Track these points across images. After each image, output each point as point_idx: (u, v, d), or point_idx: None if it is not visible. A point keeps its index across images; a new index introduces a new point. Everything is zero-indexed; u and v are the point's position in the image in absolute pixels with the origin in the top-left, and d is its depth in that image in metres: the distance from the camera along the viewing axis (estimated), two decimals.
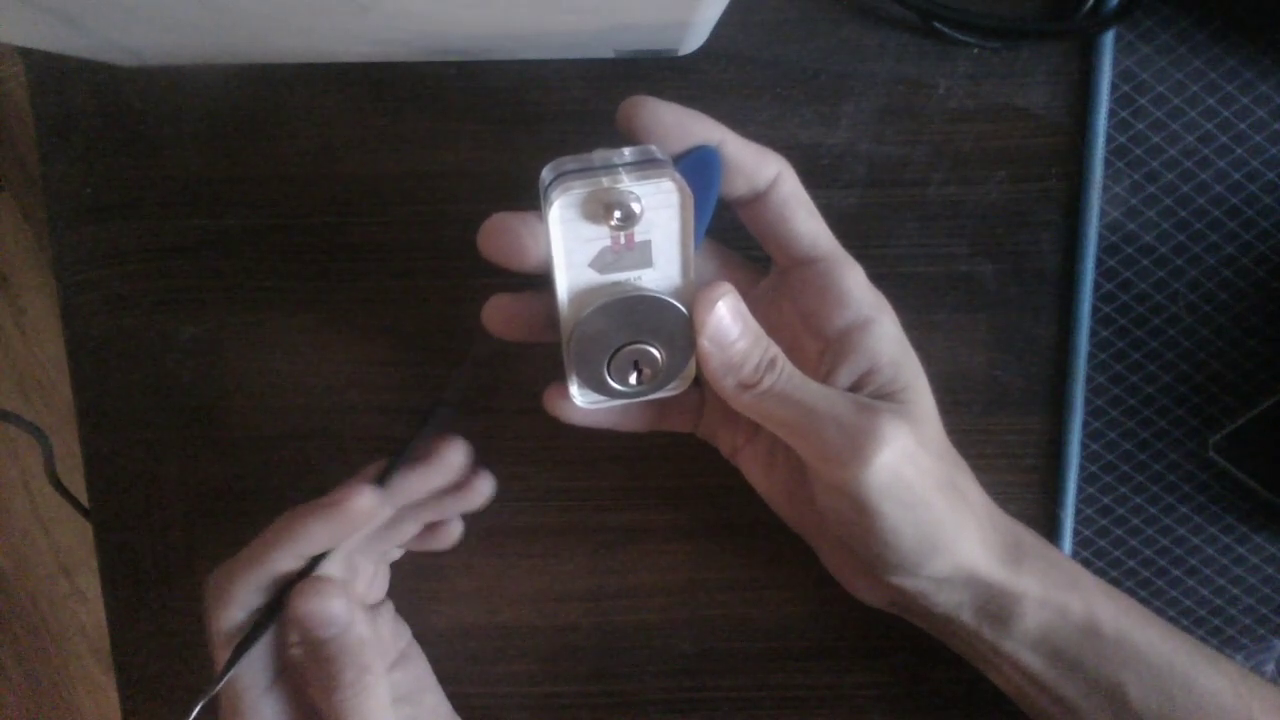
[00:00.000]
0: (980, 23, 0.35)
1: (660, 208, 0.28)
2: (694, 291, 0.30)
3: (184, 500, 0.39)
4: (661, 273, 0.30)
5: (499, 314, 0.31)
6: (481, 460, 0.39)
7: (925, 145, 0.36)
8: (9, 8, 0.26)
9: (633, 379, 0.31)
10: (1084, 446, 0.38)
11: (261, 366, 0.39)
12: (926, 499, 0.30)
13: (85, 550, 1.25)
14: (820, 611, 0.39)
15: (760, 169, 0.30)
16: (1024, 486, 0.38)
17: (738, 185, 0.30)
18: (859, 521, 0.30)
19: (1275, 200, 0.36)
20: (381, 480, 0.32)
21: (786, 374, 0.30)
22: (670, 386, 0.32)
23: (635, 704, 0.40)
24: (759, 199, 0.31)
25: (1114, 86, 0.35)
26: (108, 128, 0.37)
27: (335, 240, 0.38)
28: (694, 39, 0.34)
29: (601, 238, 0.29)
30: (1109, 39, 0.35)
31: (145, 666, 0.41)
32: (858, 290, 0.31)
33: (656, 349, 0.30)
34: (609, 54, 0.35)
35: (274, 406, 0.39)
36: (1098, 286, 0.37)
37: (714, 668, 0.40)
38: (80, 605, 1.26)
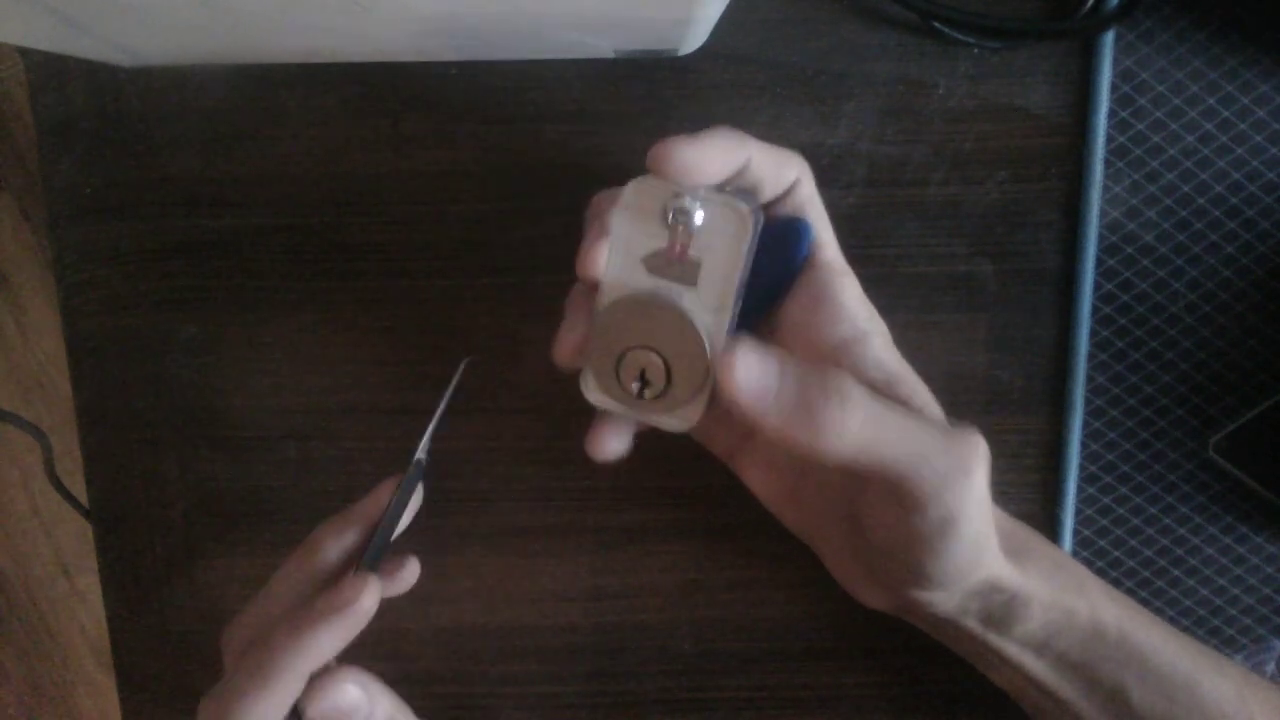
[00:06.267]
0: (980, 23, 0.35)
1: (719, 230, 0.28)
2: (724, 333, 0.29)
3: (184, 500, 0.39)
4: (702, 297, 0.29)
5: (570, 345, 0.31)
6: (482, 460, 0.39)
7: (925, 145, 0.36)
8: (9, 8, 0.26)
9: (634, 386, 0.30)
10: (1084, 446, 0.38)
11: (261, 366, 0.39)
12: (989, 514, 0.29)
13: (85, 550, 1.24)
14: (820, 611, 0.39)
15: (781, 176, 0.30)
16: (1024, 486, 0.38)
17: (762, 195, 0.30)
18: (934, 541, 0.29)
19: (1275, 200, 0.36)
20: (372, 565, 0.31)
21: (872, 399, 0.27)
22: (672, 419, 0.31)
23: (635, 704, 0.40)
24: (775, 201, 0.31)
25: (1114, 86, 0.35)
26: (108, 128, 0.37)
27: (335, 240, 0.38)
28: (694, 39, 0.34)
29: (661, 238, 0.28)
30: (1109, 39, 0.35)
31: (145, 666, 0.41)
32: (852, 303, 0.31)
33: (666, 364, 0.30)
34: (609, 54, 0.35)
35: (274, 406, 0.39)
36: (1098, 286, 0.37)
37: (714, 668, 0.40)
38: (80, 605, 1.26)
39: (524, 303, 0.38)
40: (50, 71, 0.37)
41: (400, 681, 0.35)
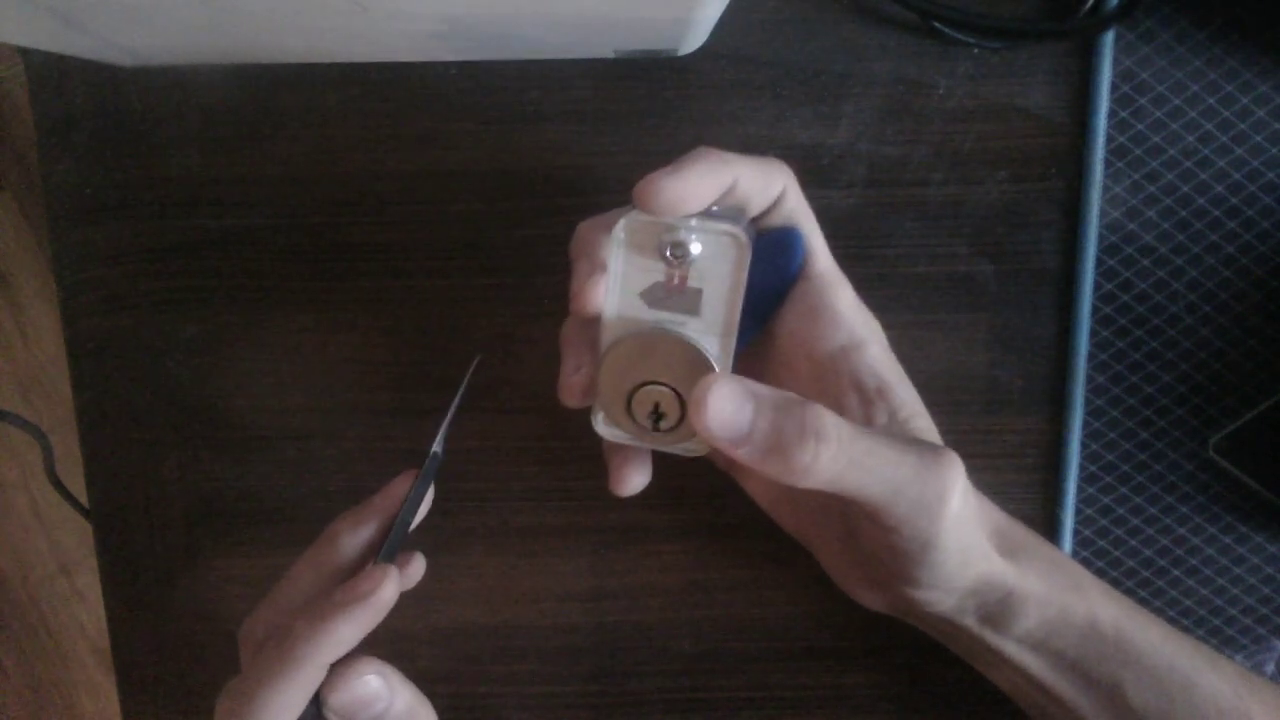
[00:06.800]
0: (980, 23, 0.35)
1: (717, 258, 0.28)
2: (732, 353, 0.29)
3: (184, 500, 0.39)
4: (706, 324, 0.29)
5: (578, 387, 0.31)
6: (482, 460, 0.39)
7: (925, 145, 0.36)
8: (9, 8, 0.26)
9: (648, 421, 0.30)
10: (1084, 446, 0.38)
11: (261, 366, 0.39)
12: (972, 525, 0.30)
13: (85, 550, 1.24)
14: (820, 611, 0.39)
15: (768, 189, 0.30)
16: (1024, 486, 0.38)
17: (751, 210, 0.30)
18: (916, 556, 0.29)
19: (1275, 200, 0.36)
20: (390, 557, 0.31)
21: (847, 435, 0.27)
22: (686, 445, 0.31)
23: (635, 704, 0.40)
24: (763, 213, 0.31)
25: (1114, 86, 0.35)
26: (108, 128, 0.37)
27: (335, 240, 0.38)
28: (694, 39, 0.34)
29: (658, 271, 0.28)
30: (1109, 39, 0.35)
31: (145, 666, 0.41)
32: (848, 311, 0.31)
33: (679, 397, 0.30)
34: (609, 54, 0.35)
35: (274, 406, 0.39)
36: (1098, 286, 0.37)
37: (714, 668, 0.40)
38: (80, 605, 1.26)
39: (523, 303, 0.38)
40: (50, 71, 0.37)
41: None
